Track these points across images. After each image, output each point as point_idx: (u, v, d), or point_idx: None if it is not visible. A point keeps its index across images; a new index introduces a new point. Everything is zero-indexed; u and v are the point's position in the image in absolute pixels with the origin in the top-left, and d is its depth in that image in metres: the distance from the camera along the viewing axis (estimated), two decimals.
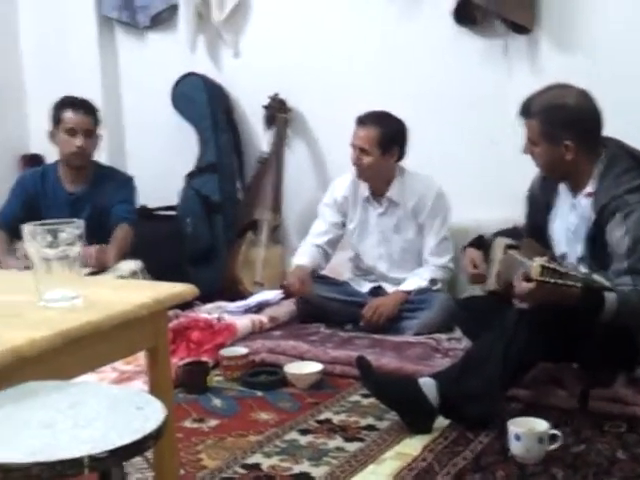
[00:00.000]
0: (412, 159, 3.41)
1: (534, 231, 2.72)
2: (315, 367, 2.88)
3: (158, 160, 4.35)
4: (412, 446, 2.31)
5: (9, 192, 3.58)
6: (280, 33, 4.03)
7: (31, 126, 4.53)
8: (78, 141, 3.41)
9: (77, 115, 3.43)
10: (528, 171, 2.69)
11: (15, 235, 3.47)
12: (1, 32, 4.45)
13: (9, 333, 1.34)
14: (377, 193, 3.44)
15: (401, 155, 3.38)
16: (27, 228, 1.51)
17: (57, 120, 3.45)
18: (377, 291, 3.47)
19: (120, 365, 2.86)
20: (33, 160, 4.45)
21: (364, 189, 3.45)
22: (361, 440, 2.38)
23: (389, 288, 3.44)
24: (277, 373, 2.91)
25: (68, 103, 3.47)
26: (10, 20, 4.49)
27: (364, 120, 3.32)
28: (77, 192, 3.51)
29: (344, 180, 3.51)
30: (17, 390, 1.25)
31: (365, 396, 2.69)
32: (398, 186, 3.40)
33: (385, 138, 3.29)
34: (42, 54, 4.49)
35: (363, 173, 3.37)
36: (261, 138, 4.20)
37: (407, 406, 2.40)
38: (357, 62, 3.87)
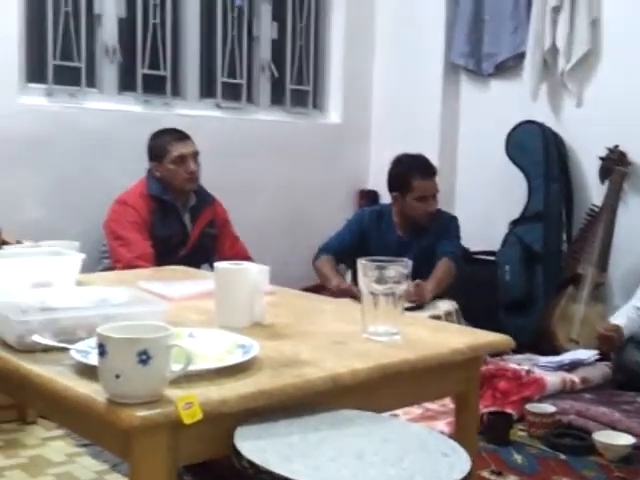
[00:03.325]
0: None
1: None
2: (627, 439, 2.70)
3: (485, 204, 4.39)
4: None
5: (345, 223, 3.84)
6: (627, 84, 3.86)
7: (371, 163, 4.81)
8: (431, 205, 3.58)
9: (427, 182, 3.58)
10: None
11: (341, 261, 3.71)
12: (358, 73, 4.77)
13: (333, 361, 1.43)
14: None
15: None
16: (361, 263, 1.61)
17: (406, 188, 3.59)
18: None
19: (426, 402, 2.90)
20: (370, 195, 4.72)
21: None
22: None
23: None
24: (584, 439, 2.76)
25: (417, 169, 3.60)
26: (367, 61, 4.81)
27: None
28: (406, 236, 3.66)
29: None
30: (334, 416, 1.32)
31: None
32: None
33: None
34: (391, 95, 4.74)
35: None
36: (593, 190, 4.05)
37: None
38: None
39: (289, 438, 1.22)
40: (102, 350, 1.17)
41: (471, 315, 3.44)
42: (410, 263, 1.62)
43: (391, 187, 3.68)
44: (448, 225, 3.69)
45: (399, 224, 3.69)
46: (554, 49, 4.08)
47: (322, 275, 3.64)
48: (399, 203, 3.65)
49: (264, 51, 4.53)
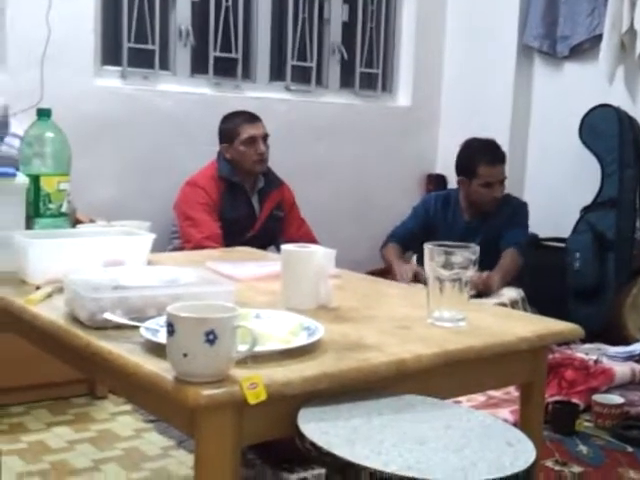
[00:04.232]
0: None
1: None
2: None
3: (556, 190, 4.31)
4: None
5: (412, 210, 3.84)
6: None
7: (440, 147, 4.77)
8: (496, 192, 3.59)
9: (494, 168, 3.60)
10: None
11: (408, 249, 3.71)
12: (429, 56, 4.73)
13: (397, 345, 1.44)
14: None
15: None
16: (427, 247, 1.60)
17: (472, 173, 3.61)
18: None
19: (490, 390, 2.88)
20: (438, 180, 4.69)
21: None
22: None
23: None
24: None
25: (484, 154, 3.61)
26: (438, 45, 4.76)
27: None
28: (473, 221, 3.64)
29: None
30: (397, 401, 1.33)
31: None
32: None
33: None
34: (462, 78, 4.69)
35: None
36: None
37: None
38: None
39: (352, 421, 1.23)
40: (171, 329, 1.19)
41: (539, 303, 3.39)
42: (477, 249, 1.60)
43: (458, 171, 3.66)
44: (517, 212, 3.65)
45: (466, 209, 3.67)
46: (632, 32, 3.96)
47: (387, 263, 3.67)
48: (465, 188, 3.62)
49: (334, 34, 4.52)
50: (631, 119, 4.03)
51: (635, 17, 3.93)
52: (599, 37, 4.11)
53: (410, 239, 3.60)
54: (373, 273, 3.06)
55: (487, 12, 4.53)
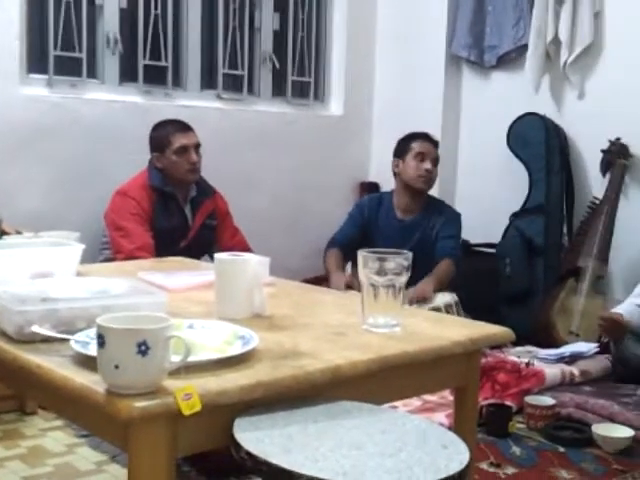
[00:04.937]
0: None
1: None
2: (626, 432, 2.71)
3: (486, 197, 4.39)
4: None
5: (348, 214, 3.87)
6: (630, 76, 3.85)
7: (372, 155, 4.81)
8: (427, 164, 3.64)
9: (426, 143, 3.70)
10: None
11: (348, 254, 3.74)
12: (360, 64, 4.76)
13: (333, 352, 1.44)
14: None
15: None
16: (361, 254, 1.61)
17: (405, 149, 3.69)
18: None
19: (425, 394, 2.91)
20: (371, 187, 4.72)
21: None
22: None
23: None
24: (583, 431, 2.77)
25: (419, 134, 3.74)
26: (369, 53, 4.80)
27: None
28: (407, 220, 3.70)
29: None
30: (333, 407, 1.33)
31: None
32: None
33: None
34: (393, 87, 4.73)
35: None
36: (595, 183, 4.05)
37: None
38: None
39: (288, 429, 1.22)
40: (101, 341, 1.17)
41: (471, 307, 3.44)
42: (410, 255, 1.62)
43: (395, 155, 3.74)
44: (452, 221, 3.72)
45: (398, 204, 3.73)
46: (556, 41, 4.07)
47: (326, 271, 3.70)
48: (400, 170, 3.70)
49: (265, 42, 4.52)
50: (557, 127, 4.13)
51: (559, 27, 4.04)
52: (525, 47, 4.20)
53: (350, 243, 3.62)
54: (308, 281, 3.06)
55: (417, 22, 4.59)
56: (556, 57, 4.10)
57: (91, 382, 1.21)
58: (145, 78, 4.03)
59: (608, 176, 3.90)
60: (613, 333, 3.26)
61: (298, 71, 4.66)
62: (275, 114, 4.48)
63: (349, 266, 3.78)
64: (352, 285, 3.40)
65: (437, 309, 3.29)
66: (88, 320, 1.41)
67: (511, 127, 4.19)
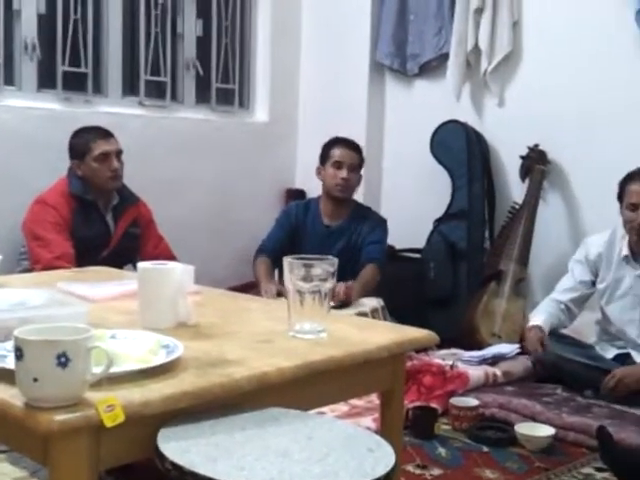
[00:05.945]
0: None
1: None
2: (547, 430, 2.78)
3: (410, 203, 4.44)
4: None
5: (275, 220, 3.86)
6: (547, 84, 3.96)
7: (298, 162, 4.82)
8: (344, 173, 3.65)
9: (345, 150, 3.71)
10: None
11: (277, 261, 3.73)
12: (285, 71, 4.77)
13: (259, 359, 1.43)
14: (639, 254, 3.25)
15: None
16: (287, 260, 1.60)
17: (326, 157, 3.72)
18: (624, 359, 3.26)
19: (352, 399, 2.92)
20: (297, 194, 4.72)
21: (624, 248, 3.27)
22: None
23: (638, 357, 3.23)
24: (506, 431, 2.83)
25: (338, 141, 3.75)
26: (293, 60, 4.80)
27: None
28: (333, 226, 3.72)
29: (599, 238, 3.37)
30: (260, 415, 1.32)
31: (600, 469, 2.54)
32: None
33: None
34: (317, 94, 4.74)
35: None
36: (515, 188, 4.14)
37: None
38: (626, 118, 3.71)
39: (214, 438, 1.21)
40: (19, 353, 1.14)
41: (397, 312, 3.48)
42: (336, 261, 1.62)
43: (319, 161, 3.76)
44: (377, 227, 3.75)
45: (325, 210, 3.75)
46: (477, 50, 4.15)
47: (256, 279, 3.68)
48: (322, 177, 3.72)
49: (189, 49, 4.48)
50: (478, 134, 4.22)
51: (479, 36, 4.12)
52: (446, 55, 4.28)
53: (279, 249, 3.61)
54: (235, 289, 3.04)
55: (341, 29, 4.62)
56: (476, 65, 4.19)
57: (9, 396, 1.17)
58: (64, 85, 3.94)
59: (527, 181, 4.00)
60: (536, 350, 3.32)
61: (222, 78, 4.63)
62: (199, 121, 4.45)
63: (277, 273, 3.78)
64: (283, 292, 3.39)
65: (363, 314, 3.31)
66: (5, 333, 1.37)
67: (434, 134, 4.25)
